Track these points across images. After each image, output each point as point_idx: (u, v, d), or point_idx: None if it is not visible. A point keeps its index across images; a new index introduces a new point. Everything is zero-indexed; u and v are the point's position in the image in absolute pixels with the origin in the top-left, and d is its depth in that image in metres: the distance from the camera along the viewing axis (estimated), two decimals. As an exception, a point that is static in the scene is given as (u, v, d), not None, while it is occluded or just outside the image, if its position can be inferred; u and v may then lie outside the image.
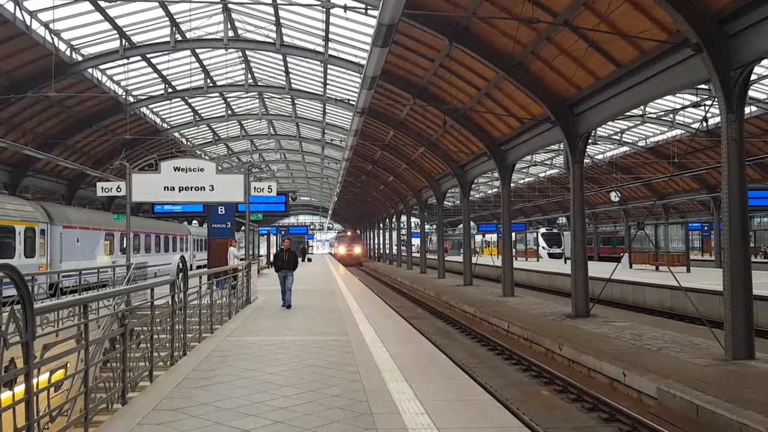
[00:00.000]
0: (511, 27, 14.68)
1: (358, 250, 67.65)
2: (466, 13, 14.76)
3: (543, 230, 59.19)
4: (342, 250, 67.74)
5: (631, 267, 30.25)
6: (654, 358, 10.66)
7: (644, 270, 28.37)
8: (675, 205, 48.01)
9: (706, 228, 49.52)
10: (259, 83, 29.70)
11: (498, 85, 18.57)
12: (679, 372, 9.42)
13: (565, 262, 38.72)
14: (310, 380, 7.06)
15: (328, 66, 24.25)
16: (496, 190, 52.99)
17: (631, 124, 32.40)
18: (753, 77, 20.76)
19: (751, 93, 24.24)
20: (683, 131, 31.21)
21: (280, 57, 25.06)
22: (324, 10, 19.60)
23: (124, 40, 21.95)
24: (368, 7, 15.80)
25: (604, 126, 30.20)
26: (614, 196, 41.23)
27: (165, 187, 14.16)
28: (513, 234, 33.41)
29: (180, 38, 22.32)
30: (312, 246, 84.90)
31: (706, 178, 36.04)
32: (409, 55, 19.54)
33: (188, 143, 38.93)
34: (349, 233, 71.98)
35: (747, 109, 16.60)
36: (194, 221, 41.67)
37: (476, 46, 16.39)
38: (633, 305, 21.68)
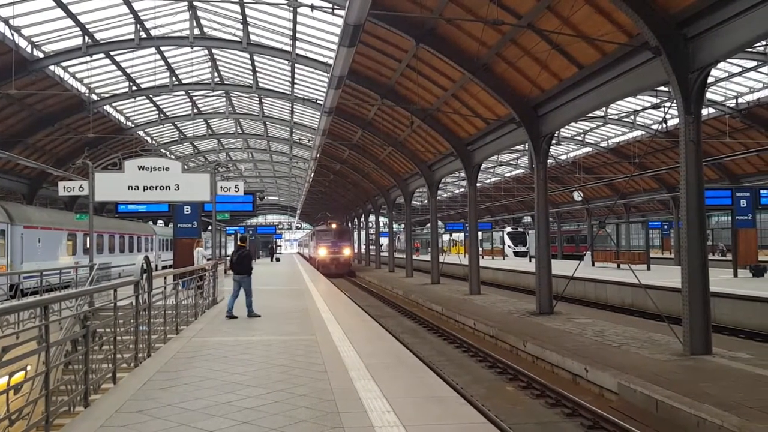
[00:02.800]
0: (476, 28, 14.85)
1: (347, 251, 46.01)
2: (432, 15, 14.89)
3: (509, 229, 59.88)
4: (323, 251, 44.98)
5: (593, 265, 30.83)
6: (615, 353, 10.92)
7: (606, 268, 28.94)
8: (636, 204, 49.07)
9: (665, 227, 50.71)
10: (225, 82, 29.43)
11: (464, 85, 18.76)
12: (640, 367, 9.67)
13: (530, 261, 39.26)
14: (277, 380, 7.06)
15: (296, 65, 24.17)
16: (463, 189, 53.40)
17: (594, 125, 33.02)
18: (710, 80, 21.42)
19: (708, 95, 24.98)
20: (644, 132, 31.98)
21: (247, 56, 24.89)
22: (291, 9, 19.54)
23: (87, 37, 21.53)
24: (335, 6, 15.82)
25: (567, 127, 30.74)
26: (577, 196, 41.96)
27: (129, 187, 13.95)
28: (479, 233, 33.78)
29: (144, 36, 21.99)
30: (280, 246, 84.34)
31: (665, 177, 36.93)
32: (376, 56, 19.60)
33: (153, 142, 38.34)
34: (334, 226, 47.08)
35: (704, 111, 17.08)
36: (159, 221, 41.02)
37: (442, 47, 16.54)
38: (595, 302, 22.12)
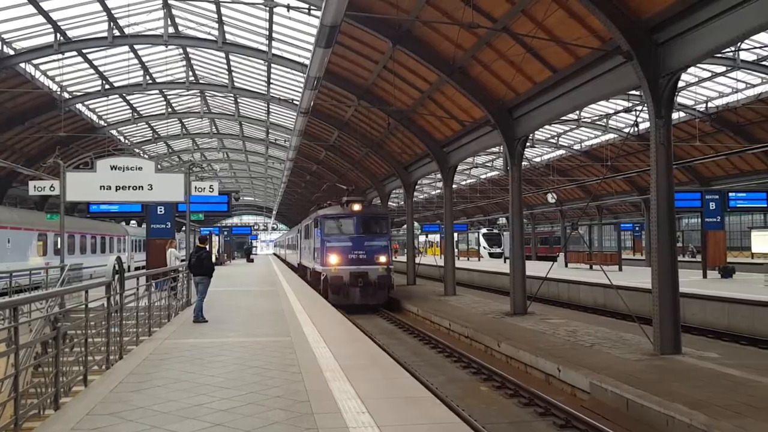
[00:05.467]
0: (452, 31, 14.95)
1: (383, 257, 22.01)
2: (409, 17, 14.95)
3: (484, 230, 60.30)
4: (335, 258, 21.77)
5: (566, 266, 31.19)
6: (587, 353, 11.07)
7: (579, 269, 29.31)
8: (608, 206, 49.74)
9: (637, 228, 51.49)
10: (200, 81, 29.16)
11: (440, 88, 18.86)
12: (611, 367, 9.82)
13: (505, 262, 39.59)
14: (252, 382, 7.04)
15: (272, 65, 24.05)
16: (438, 191, 53.65)
17: (567, 128, 33.41)
18: (681, 84, 21.85)
19: (678, 99, 25.46)
20: (616, 135, 32.46)
21: (223, 55, 24.69)
22: (267, 9, 19.46)
23: (58, 35, 21.16)
24: (311, 7, 15.79)
25: (541, 129, 31.10)
26: (551, 198, 42.44)
27: (101, 186, 13.77)
28: (455, 234, 33.98)
29: (118, 34, 21.69)
30: (256, 247, 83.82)
31: (636, 180, 37.53)
32: (353, 57, 19.61)
33: (126, 141, 37.84)
34: (358, 208, 22.67)
35: (675, 115, 17.42)
36: (132, 221, 40.49)
37: (419, 49, 16.62)
38: (568, 303, 22.38)
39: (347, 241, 21.66)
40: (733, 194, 25.95)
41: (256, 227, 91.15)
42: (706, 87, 25.48)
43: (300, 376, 7.29)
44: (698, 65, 21.65)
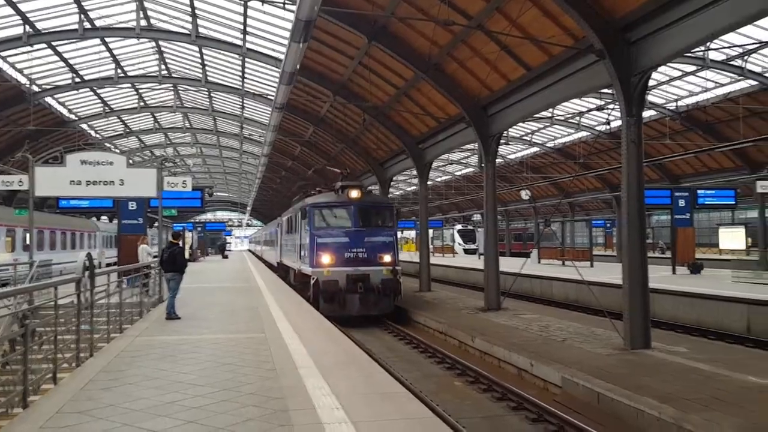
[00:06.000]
0: (427, 28, 14.98)
1: (388, 256, 17.61)
2: (385, 13, 14.95)
3: (459, 227, 60.64)
4: (327, 258, 17.20)
5: (539, 262, 31.53)
6: (559, 348, 11.22)
7: (552, 265, 29.66)
8: (580, 203, 50.41)
9: (608, 225, 52.27)
10: (173, 75, 28.80)
11: (416, 84, 18.89)
12: (582, 361, 9.96)
13: (479, 258, 39.89)
14: (225, 379, 6.99)
15: (246, 60, 23.85)
16: (414, 187, 53.79)
17: (541, 126, 33.74)
18: (651, 83, 22.21)
19: (649, 98, 25.86)
20: (588, 133, 32.89)
21: (196, 49, 24.41)
22: (242, 2, 19.29)
23: (27, 27, 20.71)
24: (286, 1, 15.68)
25: (515, 127, 31.33)
26: (525, 195, 42.81)
27: (71, 181, 13.54)
28: (430, 231, 34.10)
29: (89, 26, 21.31)
30: (230, 243, 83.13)
31: (608, 177, 38.07)
32: (328, 52, 19.53)
33: (97, 135, 37.20)
34: (356, 195, 17.94)
35: (645, 113, 17.70)
36: (103, 217, 39.87)
37: (394, 46, 16.62)
38: (541, 298, 22.65)
39: (343, 235, 17.38)
40: (702, 192, 26.52)
41: (230, 223, 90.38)
42: (676, 86, 25.92)
43: (274, 373, 7.27)
44: (669, 64, 22.02)
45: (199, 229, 54.55)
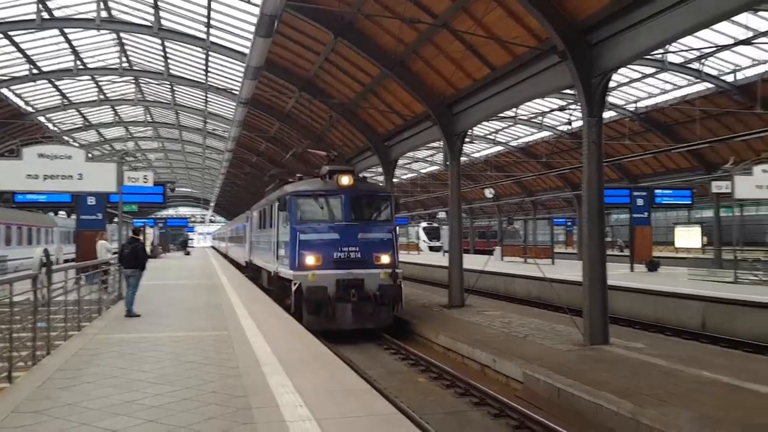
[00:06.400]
0: (394, 26, 14.99)
1: (385, 257, 14.51)
2: (351, 9, 14.91)
3: (424, 224, 60.92)
4: (312, 258, 14.12)
5: (502, 259, 31.93)
6: (521, 344, 11.38)
7: (514, 262, 30.05)
8: (542, 201, 51.18)
9: (569, 223, 53.19)
10: (134, 67, 28.22)
11: (382, 82, 18.90)
12: (543, 357, 10.13)
13: (444, 255, 40.18)
14: (187, 377, 6.90)
15: (210, 53, 23.52)
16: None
17: (505, 125, 34.13)
18: (612, 84, 22.66)
19: (610, 99, 26.39)
20: (550, 133, 33.42)
21: (159, 41, 23.96)
22: (206, -5, 19.03)
23: (-20, 15, 20.06)
24: (252, -5, 15.55)
25: (480, 126, 31.57)
26: (489, 193, 43.29)
27: (28, 175, 13.13)
28: (396, 228, 34.16)
29: (47, 16, 20.71)
30: (193, 239, 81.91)
31: (569, 176, 38.74)
32: (294, 47, 19.40)
33: (55, 129, 36.23)
34: (347, 182, 14.86)
35: (606, 114, 18.05)
36: (61, 212, 38.86)
37: (360, 43, 16.60)
38: (504, 295, 22.93)
39: (332, 231, 14.45)
40: (660, 191, 27.21)
41: (193, 219, 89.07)
42: (635, 87, 26.53)
43: (237, 371, 7.21)
44: (629, 66, 22.50)
45: (161, 225, 53.61)
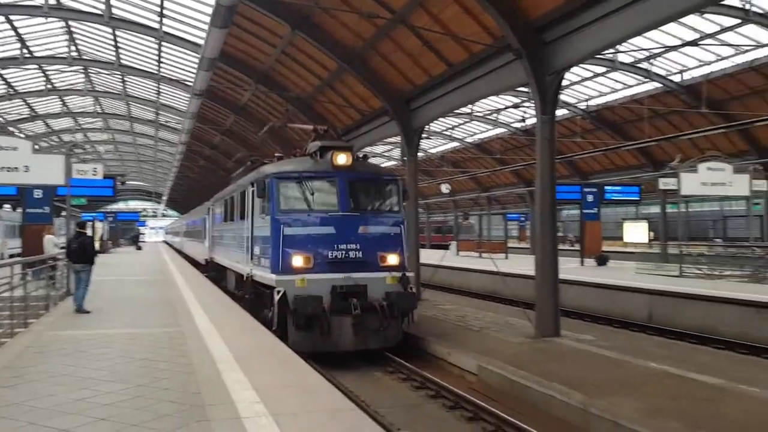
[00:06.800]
0: (352, 20, 14.97)
1: (393, 257, 11.67)
2: (308, 2, 14.80)
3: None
4: (300, 259, 11.17)
5: (458, 254, 32.28)
6: (475, 337, 11.56)
7: (469, 257, 30.42)
8: (497, 197, 51.91)
9: (522, 218, 54.13)
10: (84, 57, 27.37)
11: (340, 76, 18.83)
12: (497, 350, 10.32)
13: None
14: (139, 374, 6.78)
15: (163, 43, 23.01)
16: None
17: (461, 122, 34.48)
18: (564, 83, 23.10)
19: (562, 97, 26.95)
20: (505, 130, 33.92)
21: (109, 30, 23.31)
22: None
23: None
24: (207, -14, 15.28)
25: (436, 122, 31.84)
26: (445, 188, 43.66)
27: (-31, 167, 12.66)
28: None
29: (-10, 1, 19.93)
30: (144, 234, 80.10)
31: (523, 173, 39.42)
32: (250, 39, 19.13)
33: (0, 119, 34.90)
34: (343, 161, 11.84)
35: (559, 112, 18.42)
36: (6, 205, 37.45)
37: (318, 36, 16.50)
38: (459, 289, 23.22)
39: (326, 224, 11.55)
40: (609, 187, 27.96)
41: (144, 213, 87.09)
42: (587, 86, 27.15)
43: (191, 368, 7.11)
44: (581, 65, 23.02)
45: (111, 219, 52.26)
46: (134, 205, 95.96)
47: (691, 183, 19.23)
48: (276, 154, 15.21)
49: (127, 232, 64.05)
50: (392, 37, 15.33)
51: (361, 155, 13.78)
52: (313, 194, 11.81)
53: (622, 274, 20.15)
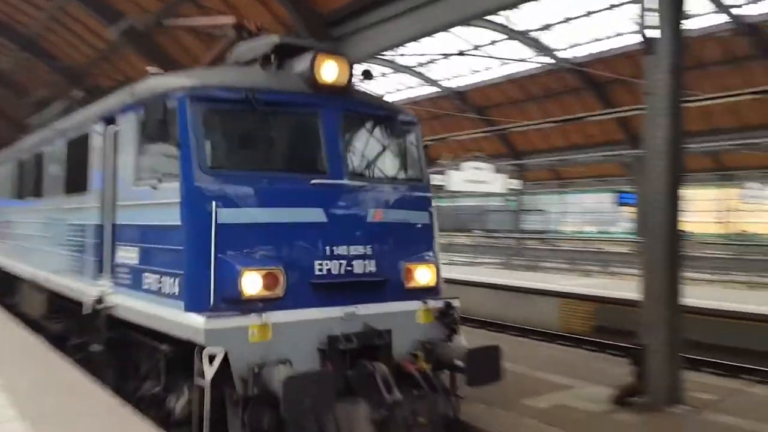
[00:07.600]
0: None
1: (425, 270, 6.09)
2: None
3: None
4: (257, 277, 5.02)
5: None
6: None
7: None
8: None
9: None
10: None
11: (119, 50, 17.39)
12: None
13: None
14: None
15: None
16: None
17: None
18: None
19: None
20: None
21: None
22: None
23: None
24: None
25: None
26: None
27: None
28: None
29: None
30: None
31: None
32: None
33: None
34: (332, 73, 5.47)
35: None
36: None
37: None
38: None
39: (306, 202, 5.48)
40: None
41: None
42: (373, 86, 28.35)
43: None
44: (368, 63, 24.02)
45: None
46: None
47: (456, 179, 20.85)
48: (150, 70, 6.90)
49: None
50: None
51: (361, 76, 6.65)
52: (273, 140, 5.87)
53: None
